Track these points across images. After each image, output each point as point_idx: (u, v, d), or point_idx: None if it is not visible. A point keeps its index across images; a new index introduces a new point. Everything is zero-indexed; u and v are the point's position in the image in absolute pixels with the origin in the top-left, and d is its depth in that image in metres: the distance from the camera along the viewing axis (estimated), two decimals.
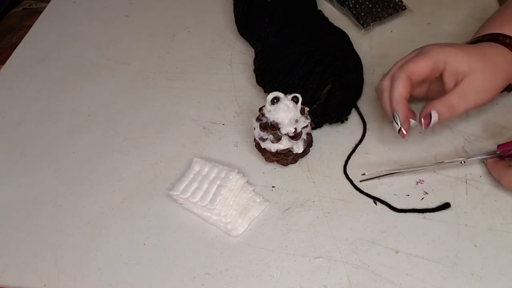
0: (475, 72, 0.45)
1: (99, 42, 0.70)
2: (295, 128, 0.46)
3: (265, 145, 0.48)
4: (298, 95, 0.47)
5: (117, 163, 0.55)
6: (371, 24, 0.63)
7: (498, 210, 0.45)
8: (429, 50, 0.46)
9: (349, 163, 0.51)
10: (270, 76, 0.55)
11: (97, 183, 0.53)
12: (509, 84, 0.49)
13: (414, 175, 0.49)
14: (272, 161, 0.51)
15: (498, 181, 0.46)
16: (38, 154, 0.57)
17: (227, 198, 0.47)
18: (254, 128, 0.49)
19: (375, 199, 0.48)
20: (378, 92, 0.48)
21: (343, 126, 0.54)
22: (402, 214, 0.46)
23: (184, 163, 0.53)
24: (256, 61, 0.59)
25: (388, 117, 0.47)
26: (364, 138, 0.52)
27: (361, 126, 0.53)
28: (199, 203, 0.47)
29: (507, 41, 0.46)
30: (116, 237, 0.48)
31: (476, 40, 0.49)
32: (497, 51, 0.46)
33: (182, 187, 0.49)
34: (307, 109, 0.49)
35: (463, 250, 0.43)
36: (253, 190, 0.50)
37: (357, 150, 0.52)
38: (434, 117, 0.44)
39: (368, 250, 0.44)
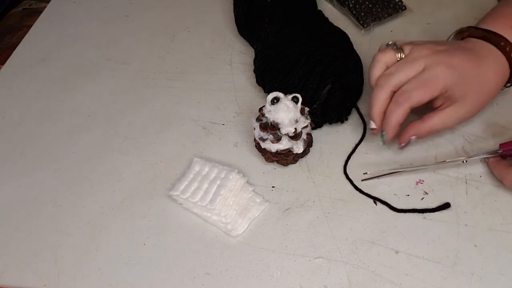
0: (465, 100, 0.45)
1: (99, 42, 0.70)
2: (295, 128, 0.46)
3: (265, 145, 0.48)
4: (298, 95, 0.47)
5: (117, 163, 0.55)
6: (371, 24, 0.63)
7: (498, 210, 0.45)
8: (439, 78, 0.44)
9: (349, 163, 0.51)
10: (270, 76, 0.55)
11: (97, 183, 0.53)
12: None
13: (415, 175, 0.49)
14: (272, 161, 0.51)
15: (499, 181, 0.46)
16: (38, 154, 0.57)
17: (227, 198, 0.47)
18: (254, 128, 0.49)
19: (375, 199, 0.48)
20: (373, 96, 0.47)
21: (343, 126, 0.54)
22: (402, 214, 0.46)
23: (184, 163, 0.53)
24: (256, 61, 0.59)
25: (372, 120, 0.47)
26: (364, 138, 0.52)
27: (361, 126, 0.53)
28: (199, 203, 0.47)
29: (502, 43, 0.46)
30: (116, 237, 0.49)
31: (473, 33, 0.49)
32: (493, 61, 0.46)
33: (182, 187, 0.49)
34: (307, 109, 0.49)
35: (463, 250, 0.43)
36: (253, 190, 0.50)
37: (357, 150, 0.52)
38: (413, 139, 0.47)
39: (368, 250, 0.44)
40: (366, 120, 0.54)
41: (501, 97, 0.53)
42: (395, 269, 0.43)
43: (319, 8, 0.64)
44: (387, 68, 0.47)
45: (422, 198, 0.47)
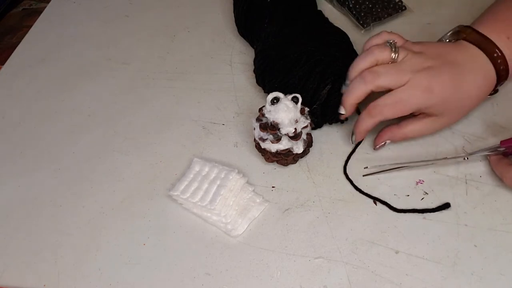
0: (443, 116, 0.47)
1: (99, 42, 0.70)
2: (295, 128, 0.46)
3: (265, 145, 0.48)
4: (298, 95, 0.47)
5: (117, 163, 0.55)
6: (371, 24, 0.63)
7: (498, 210, 0.45)
8: (412, 102, 0.45)
9: (349, 163, 0.51)
10: (270, 76, 0.55)
11: (97, 183, 0.53)
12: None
13: (415, 175, 0.49)
14: (272, 161, 0.51)
15: (500, 179, 0.46)
16: (38, 154, 0.57)
17: (227, 198, 0.47)
18: (254, 128, 0.49)
19: (375, 199, 0.48)
20: (353, 86, 0.47)
21: (343, 126, 0.54)
22: (402, 214, 0.46)
23: (184, 163, 0.53)
24: (256, 61, 0.59)
25: (344, 108, 0.49)
26: (364, 138, 0.52)
27: None
28: (199, 203, 0.47)
29: (495, 55, 0.46)
30: (116, 237, 0.49)
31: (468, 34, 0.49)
32: (481, 76, 0.47)
33: (182, 187, 0.49)
34: (307, 109, 0.49)
35: (463, 250, 0.43)
36: (253, 190, 0.50)
37: (357, 150, 0.52)
38: (387, 142, 0.50)
39: (368, 250, 0.44)
40: None
41: (501, 97, 0.53)
42: (395, 269, 0.43)
43: (319, 8, 0.64)
44: (376, 65, 0.47)
45: (422, 198, 0.47)
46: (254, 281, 0.44)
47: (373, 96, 0.47)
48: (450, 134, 0.51)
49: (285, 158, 0.49)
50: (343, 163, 0.51)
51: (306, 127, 0.48)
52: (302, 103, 0.47)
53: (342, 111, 0.49)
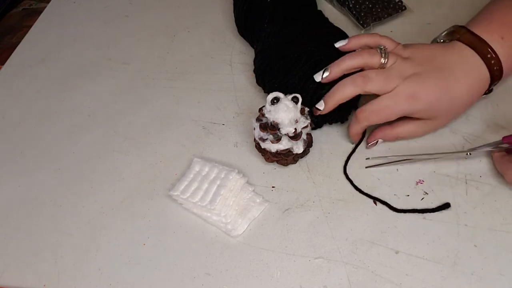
0: (433, 120, 0.48)
1: (99, 42, 0.70)
2: (295, 128, 0.46)
3: (265, 145, 0.48)
4: (298, 95, 0.47)
5: (117, 163, 0.55)
6: (371, 24, 0.64)
7: (498, 210, 0.45)
8: (397, 109, 0.46)
9: (349, 163, 0.51)
10: (270, 76, 0.55)
11: (97, 183, 0.53)
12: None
13: (415, 175, 0.49)
14: (272, 161, 0.51)
15: (501, 175, 0.46)
16: (38, 154, 0.57)
17: (227, 198, 0.47)
18: (254, 128, 0.49)
19: (375, 199, 0.48)
20: (340, 87, 0.48)
21: (343, 126, 0.54)
22: (402, 214, 0.46)
23: (184, 163, 0.53)
24: (256, 61, 0.59)
25: (325, 104, 0.49)
26: (364, 139, 0.52)
27: None
28: (199, 203, 0.47)
29: (489, 56, 0.46)
30: (116, 237, 0.49)
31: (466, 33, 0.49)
32: (474, 79, 0.47)
33: (182, 187, 0.49)
34: (307, 109, 0.49)
35: (463, 250, 0.43)
36: (253, 190, 0.50)
37: (357, 150, 0.52)
38: (380, 141, 0.51)
39: (368, 250, 0.44)
40: None
41: (501, 97, 0.53)
42: (395, 269, 0.43)
43: (319, 8, 0.64)
44: (363, 68, 0.48)
45: (422, 198, 0.47)
46: (254, 281, 0.44)
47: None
48: (450, 134, 0.51)
49: (285, 158, 0.49)
50: (343, 163, 0.51)
51: (306, 127, 0.48)
52: (302, 103, 0.47)
53: (321, 106, 0.49)
